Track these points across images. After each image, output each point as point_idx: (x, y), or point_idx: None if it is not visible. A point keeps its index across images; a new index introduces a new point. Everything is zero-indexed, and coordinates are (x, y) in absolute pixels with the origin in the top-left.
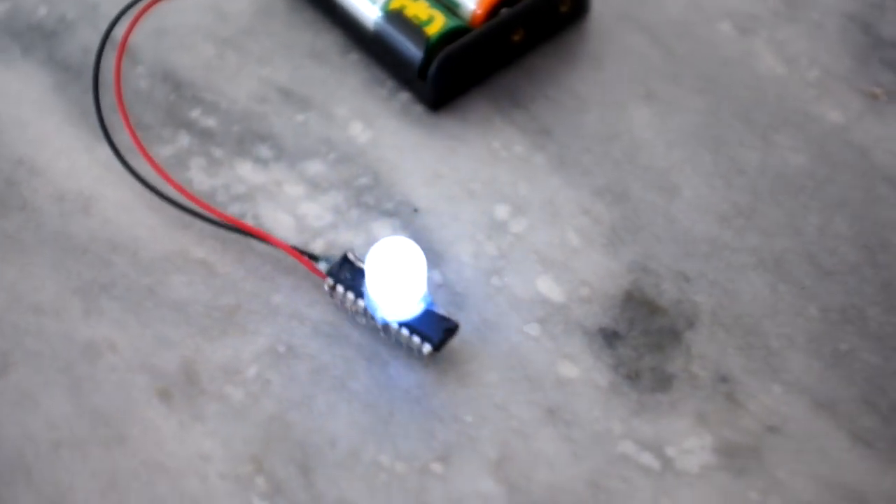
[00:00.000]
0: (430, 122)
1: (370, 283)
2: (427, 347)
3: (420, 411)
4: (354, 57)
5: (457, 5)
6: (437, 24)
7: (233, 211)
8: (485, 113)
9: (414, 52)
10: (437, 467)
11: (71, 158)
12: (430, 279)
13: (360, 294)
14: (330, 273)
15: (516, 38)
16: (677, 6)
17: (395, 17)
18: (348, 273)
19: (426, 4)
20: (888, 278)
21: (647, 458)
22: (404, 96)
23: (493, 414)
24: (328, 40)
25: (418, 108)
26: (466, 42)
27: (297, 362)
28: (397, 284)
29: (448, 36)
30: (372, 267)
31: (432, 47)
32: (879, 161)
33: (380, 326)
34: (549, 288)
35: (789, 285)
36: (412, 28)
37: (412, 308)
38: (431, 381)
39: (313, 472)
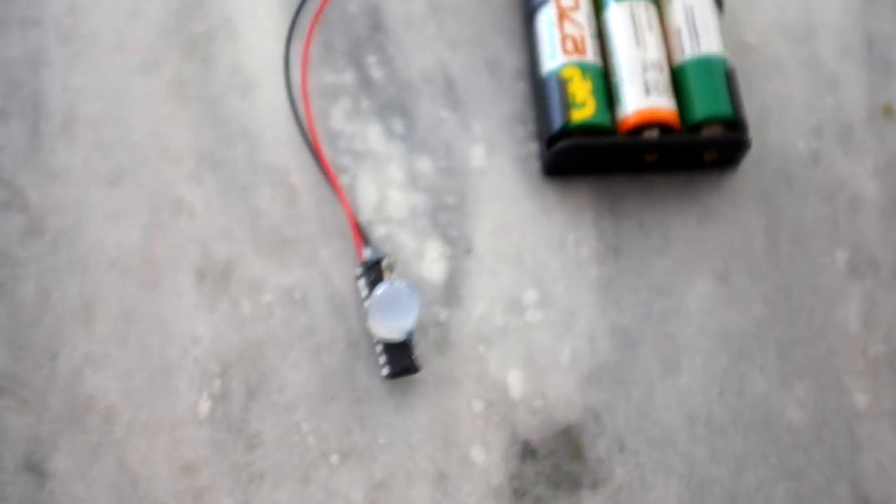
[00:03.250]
0: (536, 183)
1: (370, 305)
2: (385, 371)
3: (354, 410)
4: (521, 86)
5: (619, 100)
6: (585, 111)
7: (341, 161)
8: (583, 203)
9: (554, 122)
10: (334, 459)
11: (263, 40)
12: (435, 315)
13: (369, 297)
14: (364, 263)
15: (650, 159)
16: (817, 212)
17: (560, 82)
18: (374, 274)
19: (590, 87)
20: None
21: None
22: (532, 147)
23: (401, 447)
24: (512, 58)
25: (535, 165)
26: (596, 144)
27: (300, 312)
28: (387, 322)
29: (588, 128)
30: (375, 299)
31: (569, 130)
32: (864, 467)
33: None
34: (514, 382)
35: None
36: (564, 102)
37: (393, 337)
38: (377, 393)
39: (254, 400)
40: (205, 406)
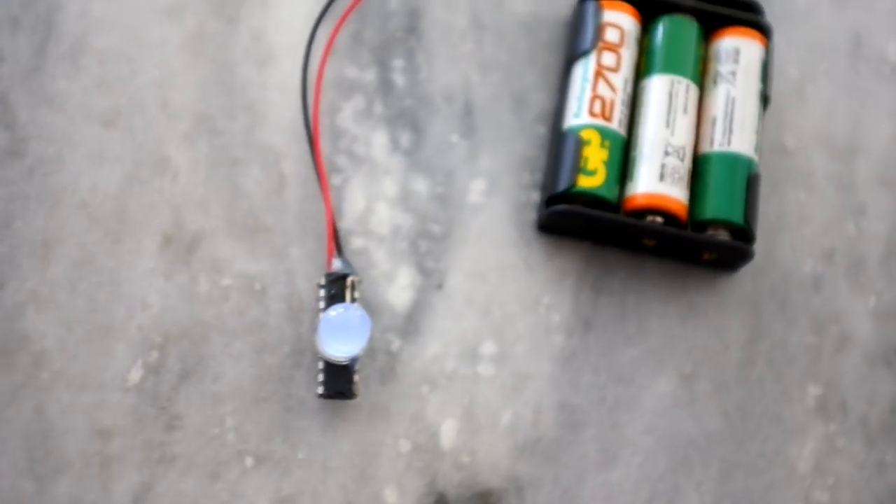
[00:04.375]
0: (527, 235)
1: (320, 324)
2: (319, 390)
3: (281, 418)
4: (541, 131)
5: (631, 176)
6: (594, 180)
7: (338, 161)
8: (569, 268)
9: (559, 182)
10: (249, 461)
11: (295, 15)
12: (388, 343)
13: (324, 311)
14: (329, 274)
15: (648, 243)
16: (802, 339)
17: (576, 142)
18: (336, 289)
19: (606, 156)
20: None
21: None
22: (534, 196)
23: (316, 468)
24: (540, 98)
25: (531, 216)
26: (595, 217)
27: (255, 305)
28: (333, 344)
29: (592, 197)
30: (326, 319)
31: (571, 195)
32: None
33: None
34: (448, 431)
35: None
36: (575, 165)
37: (336, 359)
38: (309, 407)
39: (186, 382)
40: (136, 375)
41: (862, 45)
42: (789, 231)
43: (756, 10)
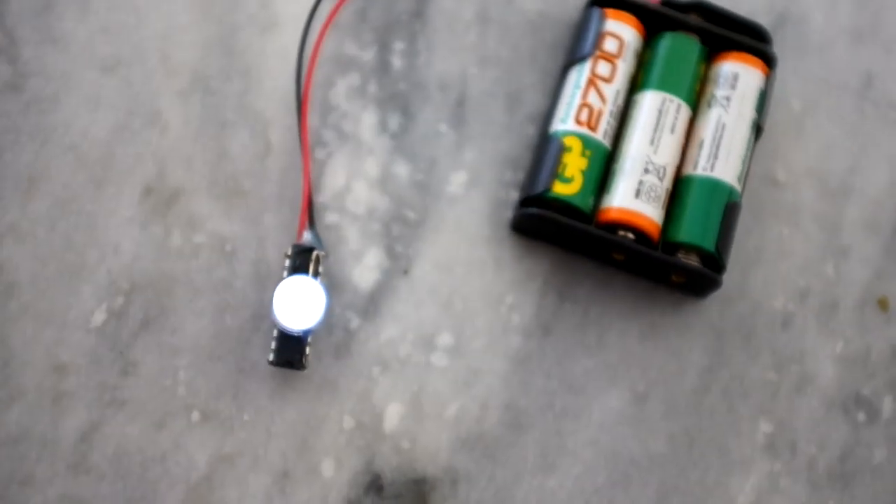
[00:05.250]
0: (500, 233)
1: (276, 290)
2: (270, 357)
3: (232, 378)
4: (529, 131)
5: (608, 189)
6: (569, 187)
7: (324, 135)
8: (536, 271)
9: (535, 185)
10: (195, 416)
11: None
12: (346, 320)
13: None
14: (297, 245)
15: (617, 257)
16: (761, 375)
17: (558, 147)
18: (300, 261)
19: (585, 165)
20: None
21: None
22: (513, 195)
23: (259, 431)
24: (534, 98)
25: (508, 214)
26: (564, 224)
27: (223, 265)
28: (287, 313)
29: (563, 205)
30: (283, 286)
31: (545, 200)
32: None
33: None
34: (392, 415)
35: None
36: (553, 170)
37: (289, 328)
38: (260, 372)
39: (146, 331)
40: (99, 317)
41: (872, 87)
42: (766, 264)
43: (763, 37)
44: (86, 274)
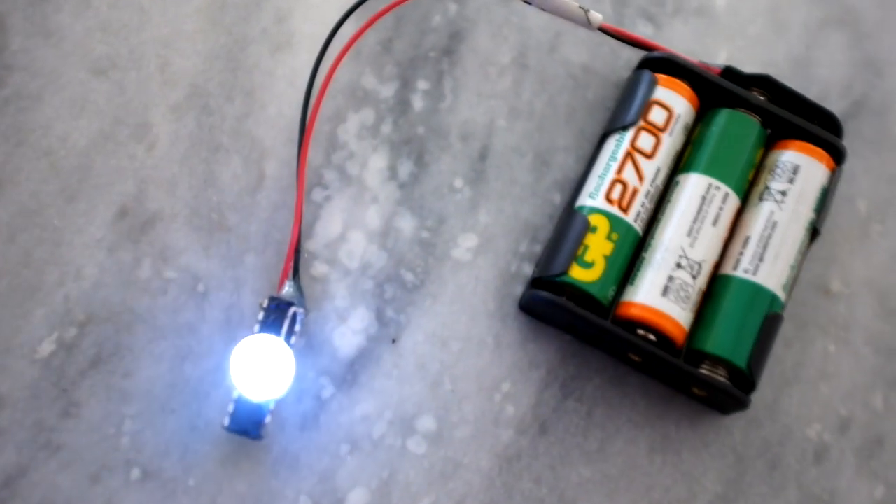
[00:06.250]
0: (506, 310)
1: (235, 350)
2: (225, 421)
3: (183, 436)
4: (555, 199)
5: (633, 280)
6: (588, 274)
7: (326, 175)
8: (541, 359)
9: (551, 265)
10: (135, 474)
11: (325, 3)
12: (319, 387)
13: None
14: (273, 298)
15: (634, 358)
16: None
17: (582, 225)
18: (275, 317)
19: (609, 250)
20: None
21: None
22: (525, 269)
23: (202, 501)
24: (565, 161)
25: (517, 290)
26: (577, 314)
27: (192, 307)
28: (247, 378)
29: (579, 293)
30: (243, 346)
31: (559, 285)
32: None
33: None
34: (355, 502)
35: None
36: (572, 251)
37: (248, 394)
38: (214, 433)
39: (96, 370)
40: (47, 348)
41: None
42: (803, 385)
43: (834, 127)
44: (40, 296)
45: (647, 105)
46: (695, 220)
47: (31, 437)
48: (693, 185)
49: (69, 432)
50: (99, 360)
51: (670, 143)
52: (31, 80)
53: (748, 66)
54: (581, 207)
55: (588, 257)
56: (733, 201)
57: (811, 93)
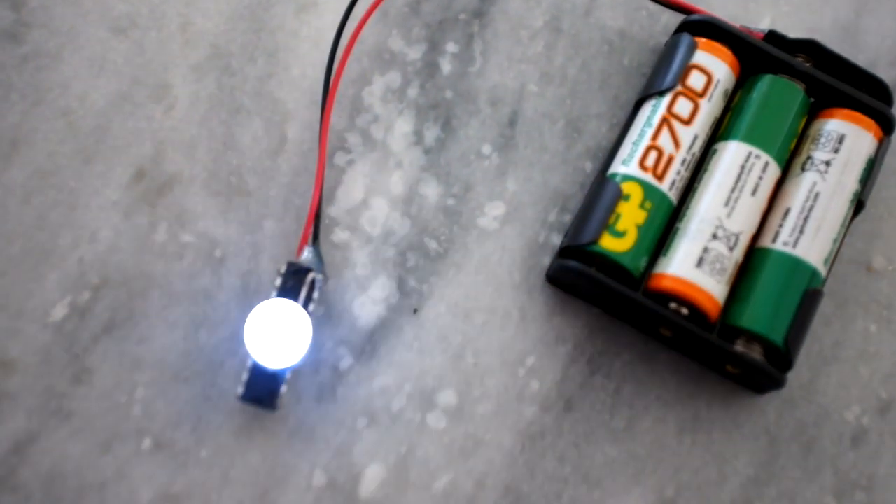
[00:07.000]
0: (533, 281)
1: (251, 315)
2: (239, 390)
3: (196, 406)
4: (586, 167)
5: (666, 251)
6: (619, 243)
7: (349, 138)
8: (568, 333)
9: (581, 234)
10: (146, 443)
11: None
12: (337, 358)
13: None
14: (292, 263)
15: (665, 333)
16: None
17: (614, 193)
18: (293, 282)
19: (642, 219)
20: None
21: None
22: (554, 239)
23: (215, 473)
24: (598, 128)
25: (544, 261)
26: (607, 286)
27: (209, 273)
28: (262, 345)
29: (610, 263)
30: (259, 311)
31: (589, 254)
32: None
33: None
34: (371, 478)
35: None
36: (604, 220)
37: (263, 363)
38: (228, 403)
39: (109, 336)
40: (60, 312)
41: None
42: (842, 365)
43: (884, 94)
44: (54, 259)
45: (685, 70)
46: (733, 190)
47: (42, 402)
48: (732, 153)
49: (80, 399)
50: (112, 326)
51: (709, 109)
52: (50, 38)
53: (792, 32)
54: (614, 175)
55: (620, 226)
56: (774, 171)
57: (858, 61)
